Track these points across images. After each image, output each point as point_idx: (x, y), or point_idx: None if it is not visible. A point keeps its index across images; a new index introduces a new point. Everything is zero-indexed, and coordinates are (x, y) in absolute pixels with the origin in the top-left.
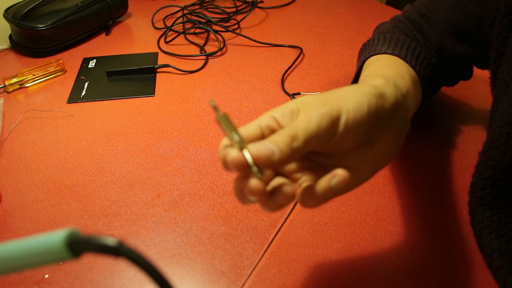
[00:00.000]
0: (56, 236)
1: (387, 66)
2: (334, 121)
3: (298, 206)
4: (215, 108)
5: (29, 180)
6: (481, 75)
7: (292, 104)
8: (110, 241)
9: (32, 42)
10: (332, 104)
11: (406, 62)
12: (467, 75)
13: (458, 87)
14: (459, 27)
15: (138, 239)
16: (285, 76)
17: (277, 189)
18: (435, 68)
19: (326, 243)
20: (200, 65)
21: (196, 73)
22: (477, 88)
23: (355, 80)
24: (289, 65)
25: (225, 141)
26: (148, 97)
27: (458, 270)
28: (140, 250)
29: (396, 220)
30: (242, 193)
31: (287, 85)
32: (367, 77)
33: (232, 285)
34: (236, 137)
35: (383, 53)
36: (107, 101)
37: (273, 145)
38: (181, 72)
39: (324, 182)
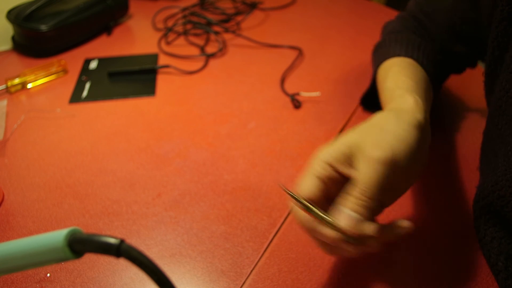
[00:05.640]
0: (57, 236)
1: (406, 75)
2: (395, 168)
3: None
4: (297, 199)
5: (31, 180)
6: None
7: (343, 147)
8: (111, 240)
9: (34, 43)
10: (387, 148)
11: (419, 63)
12: (472, 65)
13: (457, 86)
14: (458, 29)
15: (139, 238)
16: (284, 77)
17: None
18: (441, 64)
19: None
20: (201, 66)
21: (197, 73)
22: (475, 87)
23: (373, 84)
24: (289, 65)
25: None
26: (149, 98)
27: (458, 270)
28: (140, 249)
29: (394, 219)
30: (332, 248)
31: (286, 86)
32: (396, 93)
33: (232, 284)
34: (329, 220)
35: (397, 56)
36: (108, 101)
37: (357, 215)
38: (181, 73)
39: (394, 233)
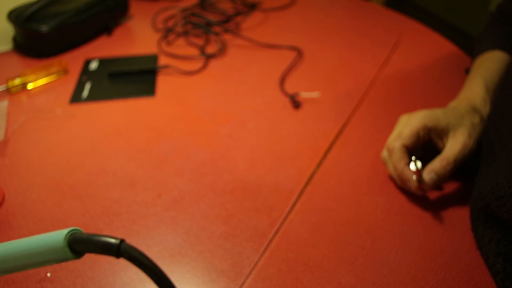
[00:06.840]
0: (58, 236)
1: (494, 70)
2: (472, 153)
3: (297, 206)
4: (418, 167)
5: (31, 180)
6: None
7: (442, 122)
8: (111, 240)
9: (35, 44)
10: (475, 141)
11: (505, 51)
12: None
13: (458, 89)
14: None
15: (139, 238)
16: (284, 77)
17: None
18: None
19: (325, 242)
20: (200, 66)
21: (197, 73)
22: None
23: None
24: (288, 66)
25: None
26: (149, 98)
27: (456, 271)
28: (140, 249)
29: (394, 220)
30: (406, 185)
31: (286, 86)
32: (480, 99)
33: (232, 284)
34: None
35: (491, 49)
36: (108, 101)
37: (440, 176)
38: (181, 73)
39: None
